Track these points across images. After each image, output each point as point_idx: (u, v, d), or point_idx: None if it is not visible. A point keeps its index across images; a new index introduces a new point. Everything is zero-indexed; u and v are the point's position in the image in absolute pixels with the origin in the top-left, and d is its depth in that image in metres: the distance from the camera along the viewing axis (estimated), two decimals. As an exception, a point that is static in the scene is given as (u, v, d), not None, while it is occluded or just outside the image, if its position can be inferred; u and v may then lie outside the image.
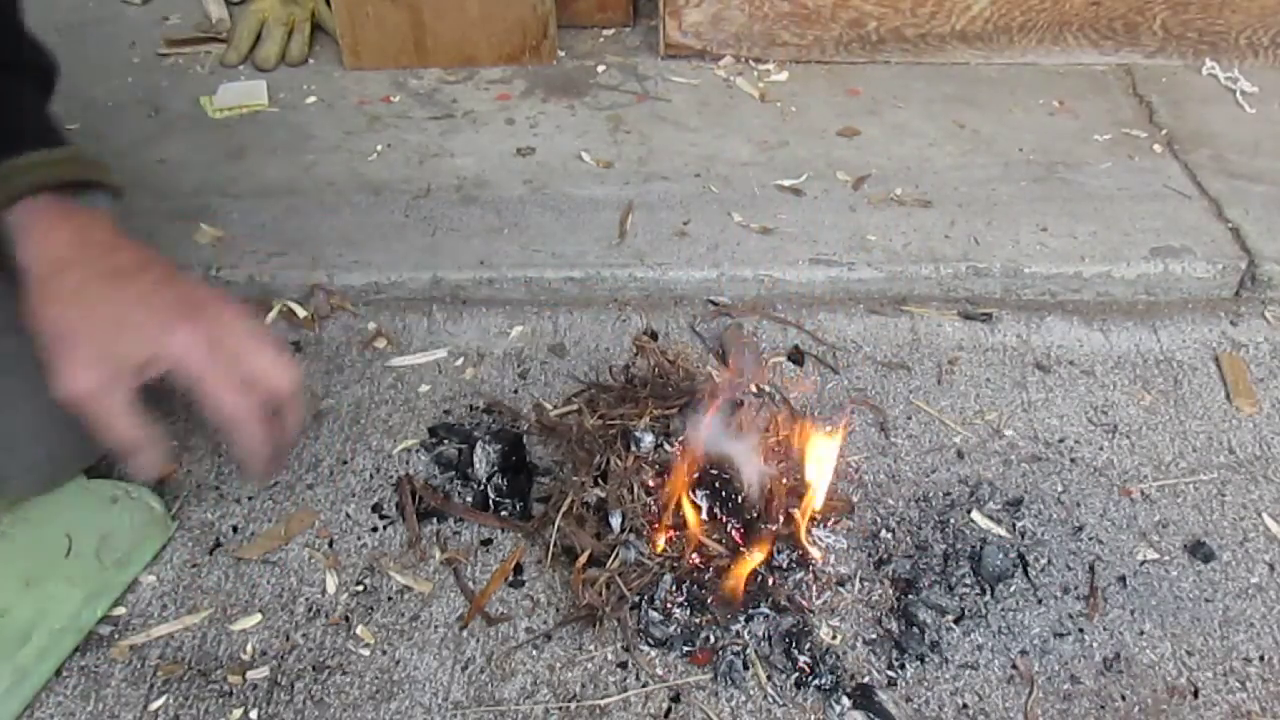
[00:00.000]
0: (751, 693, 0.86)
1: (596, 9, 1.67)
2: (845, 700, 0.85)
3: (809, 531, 0.95)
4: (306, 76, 1.57)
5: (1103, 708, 0.86)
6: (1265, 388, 1.13)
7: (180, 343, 0.73)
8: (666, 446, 0.94)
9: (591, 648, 0.89)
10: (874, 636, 0.90)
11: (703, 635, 0.88)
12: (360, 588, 0.93)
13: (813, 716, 0.85)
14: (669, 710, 0.85)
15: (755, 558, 0.89)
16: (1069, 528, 0.99)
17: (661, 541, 0.91)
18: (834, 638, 0.89)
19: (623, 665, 0.88)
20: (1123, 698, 0.87)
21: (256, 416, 0.75)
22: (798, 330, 1.19)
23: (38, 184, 0.79)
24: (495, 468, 0.99)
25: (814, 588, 0.93)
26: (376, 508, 1.00)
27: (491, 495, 0.99)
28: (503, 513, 0.98)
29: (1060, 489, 1.02)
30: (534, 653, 0.89)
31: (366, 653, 0.89)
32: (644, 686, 0.86)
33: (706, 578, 0.90)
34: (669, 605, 0.89)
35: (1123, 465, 1.05)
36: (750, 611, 0.89)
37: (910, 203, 1.32)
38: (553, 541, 0.93)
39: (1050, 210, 1.31)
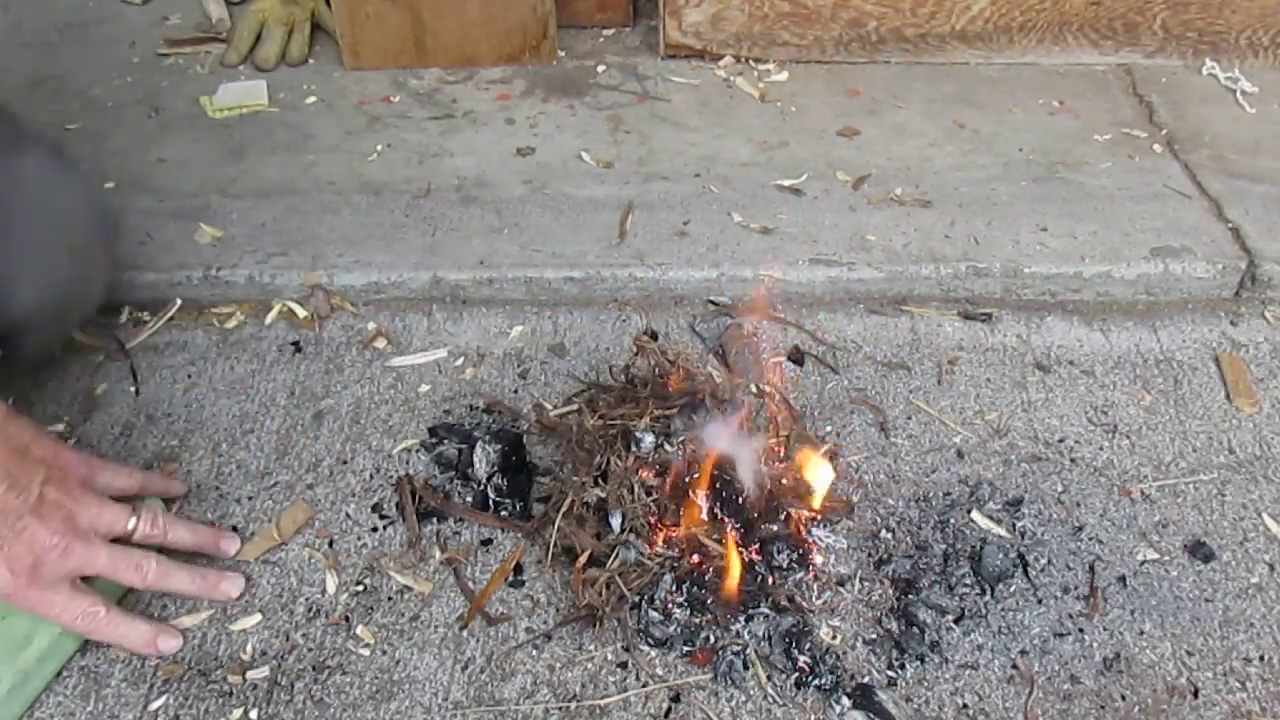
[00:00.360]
0: (751, 693, 0.86)
1: (596, 9, 1.67)
2: (845, 700, 0.85)
3: (809, 531, 0.95)
4: (306, 76, 1.57)
5: (1103, 708, 0.86)
6: (1265, 388, 1.13)
7: (1, 592, 0.81)
8: (667, 447, 0.94)
9: (591, 648, 0.89)
10: (874, 636, 0.90)
11: (703, 635, 0.88)
12: (360, 588, 0.93)
13: (813, 716, 0.85)
14: (669, 710, 0.85)
15: (742, 555, 0.89)
16: (1069, 528, 0.99)
17: (661, 541, 0.91)
18: (834, 638, 0.89)
19: (623, 665, 0.88)
20: (1123, 698, 0.87)
21: (99, 621, 0.84)
22: (798, 330, 1.19)
23: None
24: (495, 468, 0.99)
25: (814, 588, 0.93)
26: (376, 508, 1.00)
27: (491, 495, 0.99)
28: (503, 513, 0.98)
29: (1060, 489, 1.02)
30: (534, 653, 0.89)
31: (366, 653, 0.89)
32: (644, 686, 0.86)
33: (706, 578, 0.90)
34: (669, 605, 0.89)
35: (1123, 465, 1.05)
36: (750, 611, 0.89)
37: (910, 203, 1.32)
38: (553, 541, 0.93)
39: (1050, 210, 1.31)
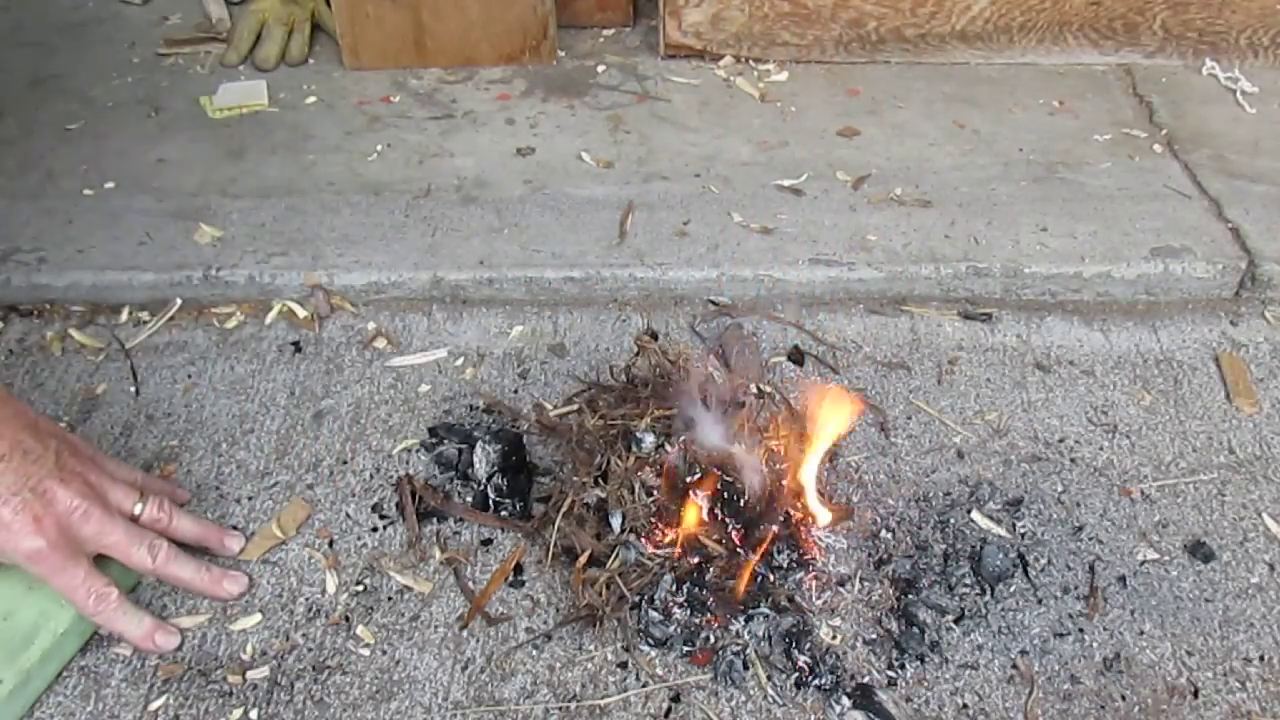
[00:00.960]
0: (751, 693, 0.86)
1: (596, 9, 1.67)
2: (845, 700, 0.85)
3: (809, 531, 0.95)
4: (306, 76, 1.57)
5: (1103, 708, 0.86)
6: (1265, 388, 1.13)
7: (19, 551, 0.81)
8: (667, 447, 0.94)
9: (591, 648, 0.89)
10: (874, 636, 0.90)
11: (703, 635, 0.88)
12: (360, 588, 0.93)
13: (813, 716, 0.85)
14: (669, 710, 0.85)
15: (752, 561, 0.89)
16: (1069, 528, 0.99)
17: (661, 541, 0.91)
18: (834, 638, 0.89)
19: (623, 665, 0.88)
20: (1123, 698, 0.87)
21: (109, 603, 0.85)
22: (798, 330, 1.19)
23: None
24: (495, 468, 0.99)
25: (814, 588, 0.93)
26: (376, 508, 1.00)
27: (491, 495, 0.99)
28: (503, 513, 0.98)
29: (1060, 489, 1.02)
30: (534, 653, 0.89)
31: (366, 653, 0.89)
32: (644, 686, 0.86)
33: (707, 578, 0.90)
34: (669, 605, 0.89)
35: (1123, 465, 1.05)
36: (750, 611, 0.89)
37: (910, 203, 1.32)
38: (553, 541, 0.93)
39: (1050, 210, 1.31)
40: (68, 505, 0.83)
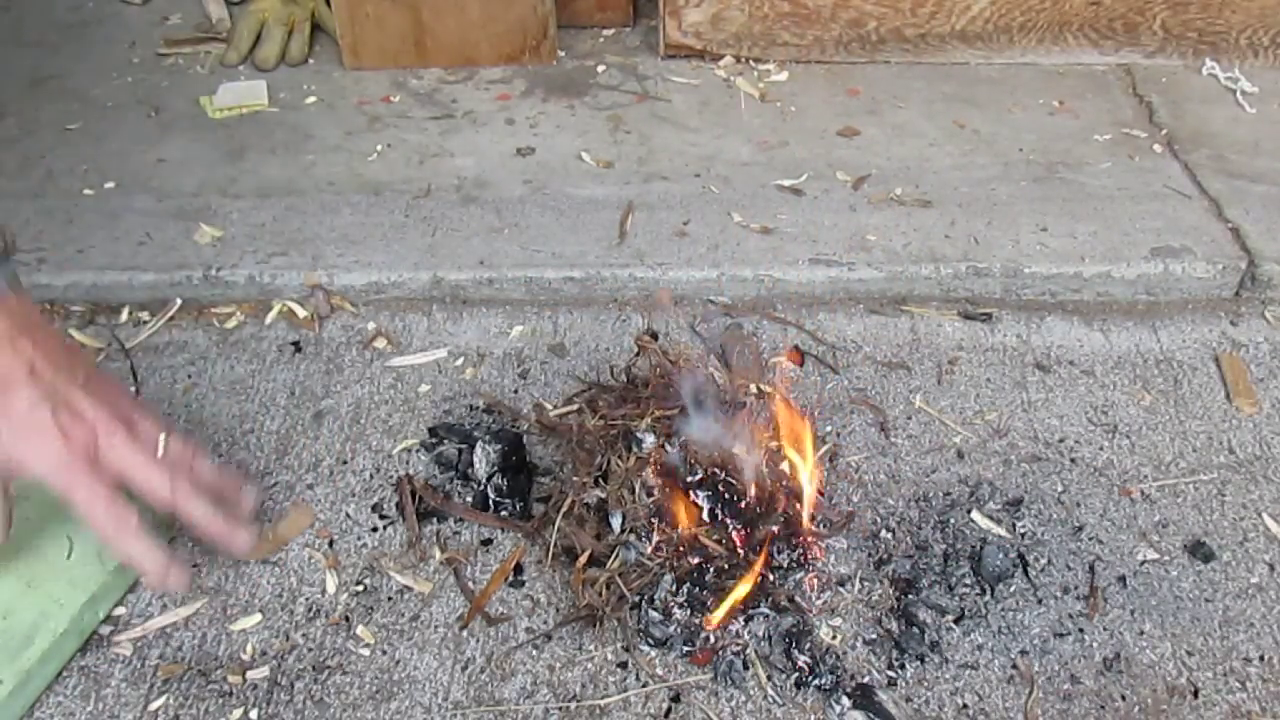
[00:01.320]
0: (751, 693, 0.86)
1: (596, 9, 1.67)
2: (845, 700, 0.85)
3: (808, 532, 0.95)
4: (306, 76, 1.57)
5: (1103, 708, 0.86)
6: (1265, 388, 1.13)
7: (46, 461, 0.79)
8: (667, 447, 0.94)
9: (591, 648, 0.89)
10: (874, 636, 0.90)
11: (703, 635, 0.88)
12: (360, 588, 0.93)
13: (813, 716, 0.85)
14: (669, 710, 0.85)
15: (759, 570, 0.89)
16: (1069, 528, 0.99)
17: (661, 541, 0.91)
18: (834, 638, 0.89)
19: (623, 665, 0.88)
20: (1123, 698, 0.87)
21: (128, 528, 0.82)
22: (798, 330, 1.19)
23: None
24: (495, 468, 0.99)
25: (814, 588, 0.93)
26: (376, 508, 1.00)
27: (491, 495, 0.99)
28: (503, 513, 0.98)
29: (1060, 489, 1.03)
30: (534, 653, 0.89)
31: (366, 653, 0.89)
32: (644, 686, 0.87)
33: (707, 578, 0.90)
34: (669, 605, 0.89)
35: (1123, 465, 1.05)
36: (750, 611, 0.89)
37: (910, 203, 1.32)
38: (553, 541, 0.93)
39: (1050, 210, 1.31)
40: (94, 418, 0.81)
